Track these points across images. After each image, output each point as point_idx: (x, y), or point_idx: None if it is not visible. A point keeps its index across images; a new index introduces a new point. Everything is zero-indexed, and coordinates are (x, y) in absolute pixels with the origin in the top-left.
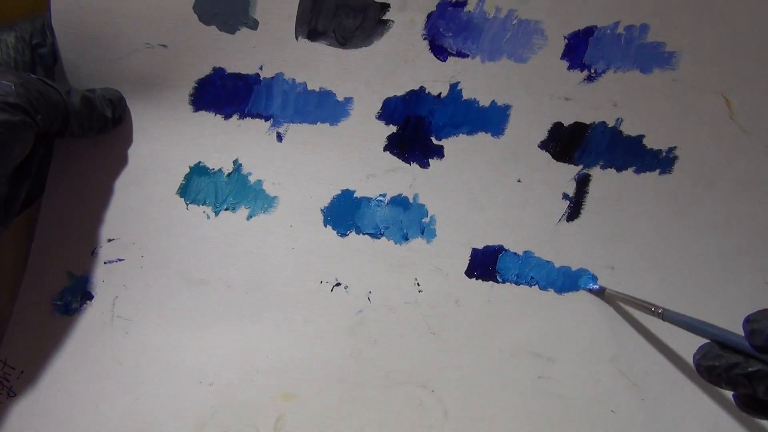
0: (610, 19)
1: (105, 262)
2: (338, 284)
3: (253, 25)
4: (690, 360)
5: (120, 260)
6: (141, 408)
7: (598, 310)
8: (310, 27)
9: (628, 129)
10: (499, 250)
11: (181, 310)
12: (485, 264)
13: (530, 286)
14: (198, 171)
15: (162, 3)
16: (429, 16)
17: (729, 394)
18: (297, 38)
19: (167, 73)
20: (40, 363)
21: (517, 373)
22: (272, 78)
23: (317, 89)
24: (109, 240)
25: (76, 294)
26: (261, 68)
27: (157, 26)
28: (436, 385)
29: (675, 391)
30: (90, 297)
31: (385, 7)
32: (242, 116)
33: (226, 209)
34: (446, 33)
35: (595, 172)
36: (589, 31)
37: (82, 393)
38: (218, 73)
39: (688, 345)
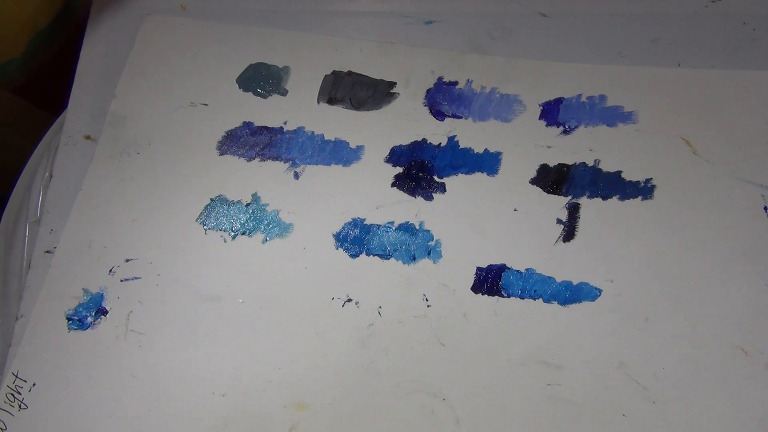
0: (574, 92)
1: (121, 280)
2: (349, 300)
3: (284, 93)
4: (696, 362)
5: (136, 278)
6: (154, 419)
7: (602, 320)
8: (330, 96)
9: (606, 167)
10: (502, 268)
11: (195, 324)
12: (490, 280)
13: (534, 299)
14: (218, 201)
15: (210, 73)
16: (428, 90)
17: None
18: (318, 103)
19: (202, 125)
20: (53, 376)
21: (526, 381)
22: (294, 131)
23: (333, 139)
24: (127, 260)
25: (91, 309)
26: (285, 123)
27: (204, 90)
28: (447, 394)
29: (685, 393)
30: (105, 312)
31: (393, 84)
32: (263, 159)
33: (243, 234)
34: (443, 102)
35: (584, 201)
36: (559, 100)
37: (95, 405)
38: (247, 125)
39: (693, 346)
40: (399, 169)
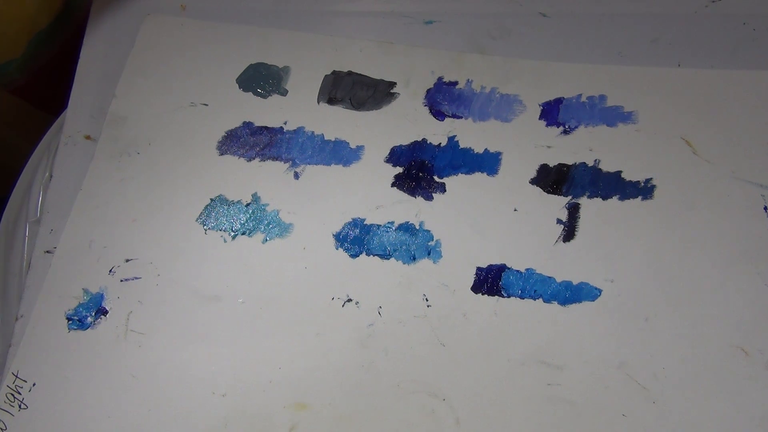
0: (574, 92)
1: (121, 280)
2: (349, 300)
3: (284, 93)
4: (696, 362)
5: (136, 278)
6: (154, 419)
7: (602, 320)
8: (330, 96)
9: (606, 167)
10: (502, 268)
11: (195, 324)
12: (490, 280)
13: (534, 299)
14: (218, 201)
15: (210, 73)
16: (428, 91)
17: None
18: (318, 103)
19: (202, 125)
20: (53, 376)
21: (526, 381)
22: (294, 131)
23: (333, 139)
24: (127, 260)
25: (91, 309)
26: (285, 123)
27: (204, 90)
28: (447, 394)
29: (685, 393)
30: (105, 312)
31: (393, 84)
32: (263, 159)
33: (243, 234)
34: (443, 102)
35: (584, 201)
36: (559, 100)
37: (95, 405)
38: (247, 125)
39: (693, 346)
40: (399, 169)
